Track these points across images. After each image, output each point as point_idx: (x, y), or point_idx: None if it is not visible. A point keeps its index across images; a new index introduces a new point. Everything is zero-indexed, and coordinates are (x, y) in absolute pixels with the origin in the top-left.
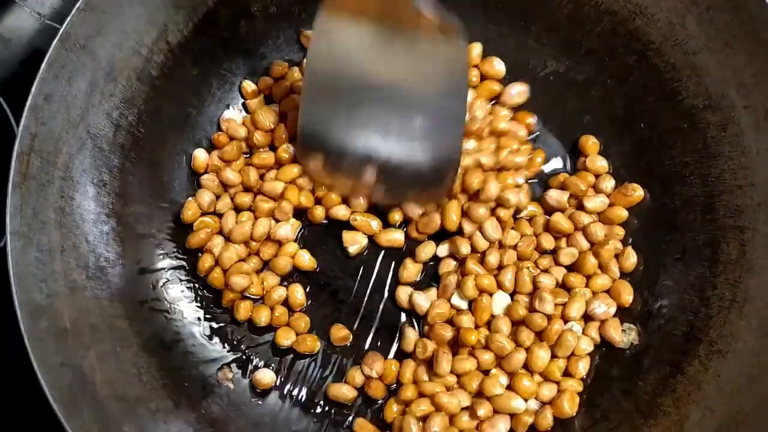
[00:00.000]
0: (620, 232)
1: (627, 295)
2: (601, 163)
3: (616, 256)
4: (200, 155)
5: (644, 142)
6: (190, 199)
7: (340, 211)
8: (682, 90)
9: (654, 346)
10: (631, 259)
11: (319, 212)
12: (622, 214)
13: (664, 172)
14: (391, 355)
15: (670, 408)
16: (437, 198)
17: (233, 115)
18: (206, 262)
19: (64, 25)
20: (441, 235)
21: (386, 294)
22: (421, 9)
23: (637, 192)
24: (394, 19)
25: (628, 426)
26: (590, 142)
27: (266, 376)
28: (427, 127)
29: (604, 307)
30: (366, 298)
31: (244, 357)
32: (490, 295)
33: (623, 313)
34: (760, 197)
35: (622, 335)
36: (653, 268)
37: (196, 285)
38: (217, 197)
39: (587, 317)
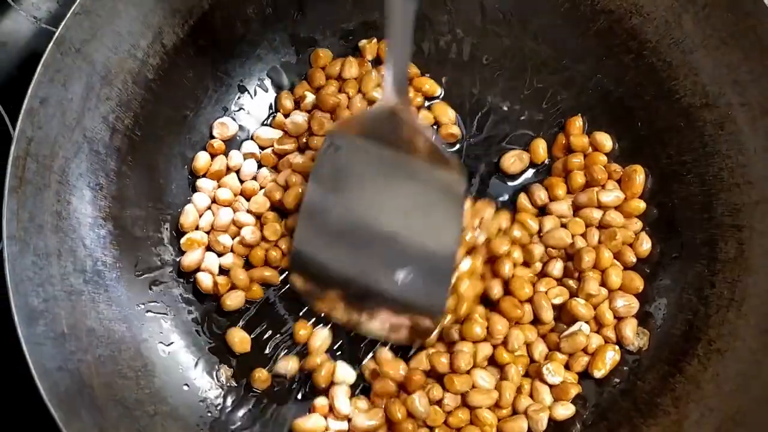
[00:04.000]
0: (638, 223)
1: (638, 283)
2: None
3: (630, 245)
4: (201, 158)
5: (641, 140)
6: (188, 206)
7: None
8: (679, 88)
9: (653, 345)
10: (645, 245)
11: None
12: (640, 206)
13: (662, 170)
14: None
15: (670, 407)
16: (421, 338)
17: (226, 121)
18: (204, 282)
19: (59, 29)
20: None
21: None
22: (423, 132)
23: (639, 173)
24: (397, 141)
25: (627, 425)
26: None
27: (263, 375)
28: (418, 267)
29: (623, 302)
30: None
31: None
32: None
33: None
34: (757, 195)
35: (635, 338)
36: (651, 267)
37: (193, 288)
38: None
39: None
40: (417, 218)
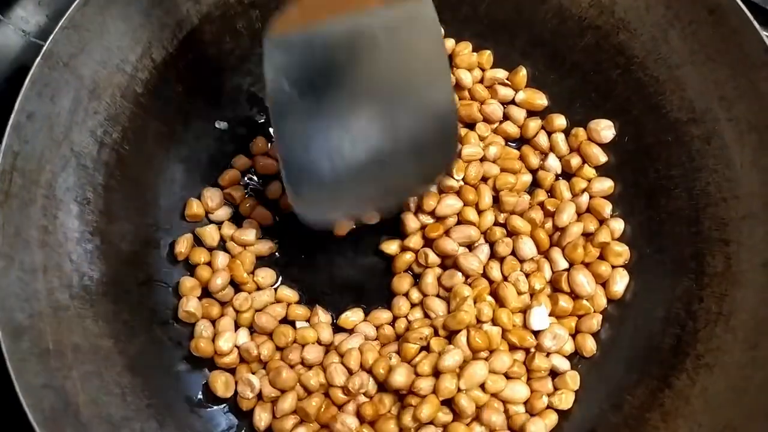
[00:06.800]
0: (608, 206)
1: (619, 285)
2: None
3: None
4: (194, 204)
5: (629, 155)
6: (185, 236)
7: None
8: (666, 104)
9: (641, 360)
10: (617, 226)
11: None
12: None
13: (650, 185)
14: None
15: (659, 422)
16: (440, 175)
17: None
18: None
19: (47, 43)
20: None
21: None
22: None
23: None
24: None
25: None
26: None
27: (255, 381)
28: (414, 100)
29: (552, 342)
30: None
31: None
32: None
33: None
34: (744, 210)
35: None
36: (639, 281)
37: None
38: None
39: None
40: (400, 77)
